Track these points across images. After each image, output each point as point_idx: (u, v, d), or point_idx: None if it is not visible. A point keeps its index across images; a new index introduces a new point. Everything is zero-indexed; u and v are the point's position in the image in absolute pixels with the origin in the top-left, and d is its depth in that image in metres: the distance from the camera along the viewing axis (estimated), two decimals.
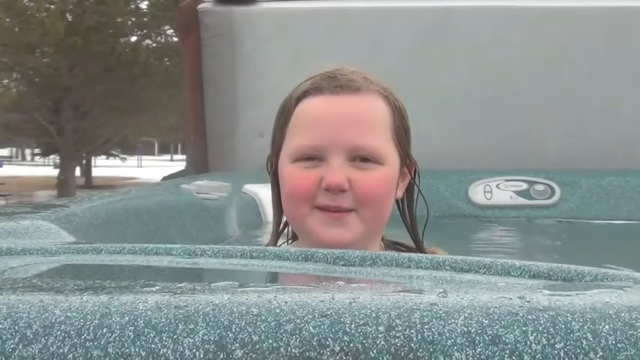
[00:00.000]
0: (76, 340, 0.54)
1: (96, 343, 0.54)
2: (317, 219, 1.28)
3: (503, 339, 0.52)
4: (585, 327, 0.53)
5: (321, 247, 1.30)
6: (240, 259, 0.92)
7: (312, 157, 1.28)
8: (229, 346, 0.53)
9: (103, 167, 39.69)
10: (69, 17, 20.52)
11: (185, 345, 0.53)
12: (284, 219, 1.42)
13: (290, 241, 1.46)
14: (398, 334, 0.53)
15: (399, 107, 1.35)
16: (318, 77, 1.33)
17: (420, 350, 0.52)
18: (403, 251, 1.43)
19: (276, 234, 1.43)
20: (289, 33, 4.52)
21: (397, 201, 1.38)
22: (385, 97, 1.33)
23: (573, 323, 0.53)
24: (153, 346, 0.53)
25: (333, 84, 1.30)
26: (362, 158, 1.28)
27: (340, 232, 1.27)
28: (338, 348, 0.52)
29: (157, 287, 0.63)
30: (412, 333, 0.53)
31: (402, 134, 1.35)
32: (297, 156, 1.29)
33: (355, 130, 1.28)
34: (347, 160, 1.27)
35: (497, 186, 4.05)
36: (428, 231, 1.46)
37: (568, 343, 0.52)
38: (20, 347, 0.54)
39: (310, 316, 0.54)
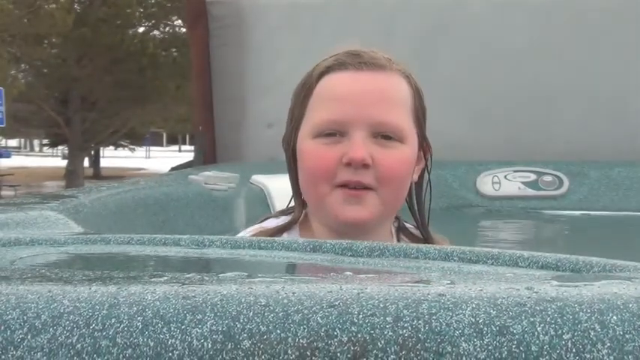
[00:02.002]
0: (84, 330, 0.54)
1: (104, 334, 0.54)
2: (336, 197, 1.27)
3: (511, 330, 0.52)
4: (593, 318, 0.53)
5: (339, 226, 1.30)
6: (248, 250, 0.92)
7: (334, 133, 1.27)
8: (237, 336, 0.53)
9: (112, 158, 39.79)
10: (77, 8, 20.51)
11: (193, 335, 0.53)
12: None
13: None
14: (406, 325, 0.53)
15: (418, 88, 1.36)
16: (341, 54, 1.33)
17: (428, 341, 0.52)
18: (410, 236, 1.43)
19: (300, 210, 1.39)
20: (298, 23, 4.51)
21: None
22: (407, 78, 1.34)
23: (581, 314, 0.53)
24: (161, 336, 0.53)
25: (357, 60, 1.31)
26: (384, 135, 1.27)
27: (359, 210, 1.26)
28: (346, 338, 0.52)
29: (165, 278, 0.63)
30: (420, 324, 0.53)
31: (420, 116, 1.35)
32: (319, 131, 1.28)
33: (379, 106, 1.28)
34: (369, 136, 1.26)
35: (505, 177, 4.04)
36: (437, 222, 1.45)
37: (576, 333, 0.52)
38: (29, 337, 0.54)
39: (318, 307, 0.54)
